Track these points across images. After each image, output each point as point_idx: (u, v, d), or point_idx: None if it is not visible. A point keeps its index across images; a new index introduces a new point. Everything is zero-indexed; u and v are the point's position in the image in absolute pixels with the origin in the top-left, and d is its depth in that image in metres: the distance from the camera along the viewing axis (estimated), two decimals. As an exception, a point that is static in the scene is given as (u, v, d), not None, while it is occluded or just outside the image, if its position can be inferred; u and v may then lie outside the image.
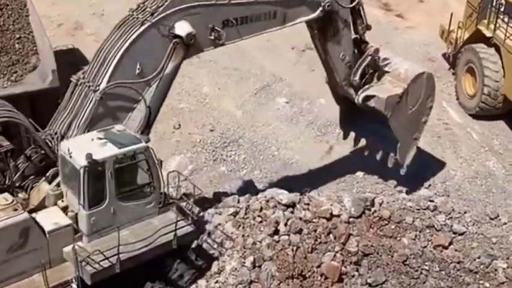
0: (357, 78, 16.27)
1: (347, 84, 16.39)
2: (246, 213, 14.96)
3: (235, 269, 13.95)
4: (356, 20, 16.06)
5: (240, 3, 13.98)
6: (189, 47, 13.52)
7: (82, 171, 11.86)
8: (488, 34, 20.83)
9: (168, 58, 13.45)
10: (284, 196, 15.25)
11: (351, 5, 15.62)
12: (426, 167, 19.00)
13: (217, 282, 13.92)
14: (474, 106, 21.00)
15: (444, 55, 23.91)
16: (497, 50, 20.46)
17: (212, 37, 13.82)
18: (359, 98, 16.32)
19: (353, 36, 16.33)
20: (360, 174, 18.54)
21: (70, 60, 20.30)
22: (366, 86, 16.44)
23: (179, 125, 19.37)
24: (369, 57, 16.28)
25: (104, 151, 12.16)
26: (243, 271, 13.88)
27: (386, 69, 16.45)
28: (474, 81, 21.21)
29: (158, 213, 13.05)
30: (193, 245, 14.13)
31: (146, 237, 12.53)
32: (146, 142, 12.66)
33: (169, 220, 12.83)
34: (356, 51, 16.36)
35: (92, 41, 22.65)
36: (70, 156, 12.20)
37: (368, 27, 16.36)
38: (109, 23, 23.62)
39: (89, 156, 11.79)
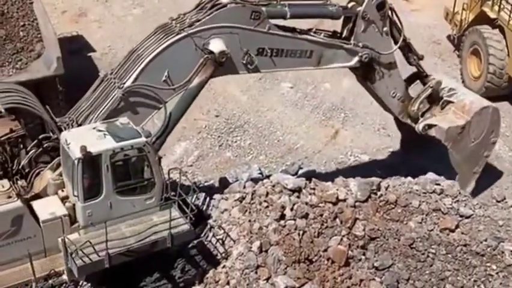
0: (415, 108, 16.22)
1: (404, 116, 16.34)
2: (252, 199, 14.96)
3: (242, 253, 13.98)
4: (405, 54, 15.93)
5: (279, 35, 13.94)
6: (220, 65, 13.50)
7: (76, 162, 11.77)
8: (492, 16, 20.72)
9: (197, 72, 13.46)
10: (290, 181, 15.23)
11: (393, 50, 15.33)
12: (433, 149, 18.95)
13: (224, 267, 13.97)
14: (480, 87, 20.86)
15: (449, 37, 23.80)
16: (502, 31, 20.37)
17: (244, 61, 13.80)
18: (419, 127, 16.26)
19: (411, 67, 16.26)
20: (365, 158, 18.54)
21: (74, 47, 20.32)
22: (428, 115, 16.39)
23: (185, 111, 19.32)
24: (430, 89, 16.23)
25: (101, 144, 12.02)
26: (250, 256, 13.91)
27: (451, 99, 16.29)
28: (479, 62, 21.14)
29: (160, 210, 12.86)
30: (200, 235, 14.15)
31: (140, 233, 12.39)
32: (147, 137, 12.51)
33: (167, 217, 12.59)
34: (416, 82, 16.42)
35: (96, 27, 22.69)
36: (68, 147, 12.14)
37: (420, 58, 16.23)
38: (112, 9, 23.70)
39: (83, 148, 11.68)
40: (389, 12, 15.20)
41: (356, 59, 14.88)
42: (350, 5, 14.96)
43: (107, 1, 24.10)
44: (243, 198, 15.01)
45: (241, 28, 13.54)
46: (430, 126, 16.27)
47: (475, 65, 21.50)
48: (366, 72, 15.38)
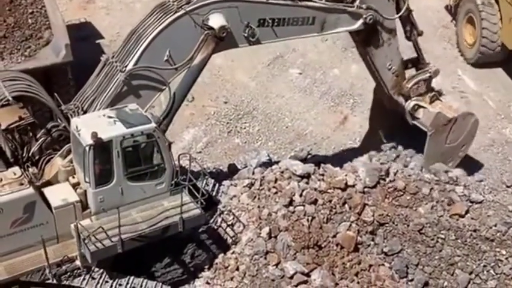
0: (409, 86, 16.16)
1: (396, 92, 16.21)
2: (261, 185, 14.99)
3: (251, 239, 14.03)
4: (406, 26, 15.80)
5: (279, 4, 13.77)
6: (220, 40, 13.34)
7: (87, 149, 11.82)
8: None
9: (198, 49, 13.32)
10: (299, 167, 15.23)
11: (397, 16, 15.25)
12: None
13: (233, 253, 14.03)
14: (474, 54, 21.73)
15: (446, 7, 24.09)
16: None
17: (245, 34, 13.63)
18: (409, 105, 16.22)
19: (413, 56, 16.35)
20: (374, 144, 18.47)
21: (82, 34, 20.31)
22: (418, 98, 16.36)
23: (193, 97, 19.34)
24: (428, 74, 16.24)
25: (112, 130, 12.05)
26: (259, 242, 13.95)
27: (440, 98, 16.58)
28: (474, 30, 21.81)
29: (171, 195, 12.93)
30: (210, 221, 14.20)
31: (152, 218, 12.48)
32: (157, 123, 12.57)
33: (178, 202, 12.67)
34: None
35: (104, 14, 22.65)
36: (79, 134, 12.18)
37: (419, 33, 16.15)
38: (120, -5, 23.64)
39: (94, 135, 11.71)
40: None
41: (360, 21, 14.73)
42: None
43: (115, -12, 24.06)
44: (252, 184, 15.03)
45: (240, 0, 13.36)
46: (419, 107, 16.26)
47: (469, 32, 22.13)
48: (368, 37, 15.21)
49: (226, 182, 15.27)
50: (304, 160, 16.88)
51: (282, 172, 15.18)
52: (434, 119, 16.12)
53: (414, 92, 16.37)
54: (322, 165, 15.66)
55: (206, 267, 13.90)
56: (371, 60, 15.77)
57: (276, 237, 14.06)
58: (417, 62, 16.56)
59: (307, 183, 15.07)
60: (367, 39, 15.30)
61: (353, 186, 15.00)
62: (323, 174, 15.27)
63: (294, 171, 15.09)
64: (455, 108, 16.80)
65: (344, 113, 19.85)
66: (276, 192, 14.71)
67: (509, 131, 19.25)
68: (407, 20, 15.85)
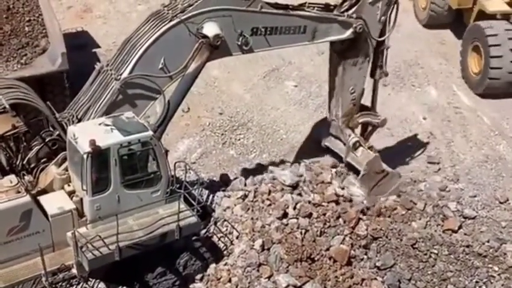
0: (360, 120, 16.26)
1: (346, 120, 16.22)
2: (254, 197, 14.99)
3: (244, 251, 14.00)
4: (377, 60, 15.90)
5: (271, 13, 13.92)
6: (215, 49, 13.46)
7: (85, 157, 11.85)
8: None
9: (192, 57, 13.42)
10: (287, 177, 15.25)
11: (379, 39, 15.43)
12: (436, 151, 18.95)
13: (226, 264, 13.99)
14: (425, 16, 24.16)
15: None
16: None
17: (239, 42, 13.78)
18: (352, 139, 16.09)
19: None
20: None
21: (79, 43, 20.32)
22: (361, 137, 16.30)
23: (188, 108, 19.35)
24: (377, 120, 16.29)
25: (109, 138, 12.13)
26: (252, 254, 13.93)
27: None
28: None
29: (166, 202, 13.01)
30: (202, 231, 14.17)
31: (149, 225, 12.52)
32: (154, 131, 12.63)
33: (174, 210, 12.77)
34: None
35: (101, 23, 22.68)
36: (76, 142, 12.21)
37: (386, 74, 16.31)
38: (117, 5, 23.69)
39: (92, 142, 11.77)
40: (394, 6, 15.34)
41: (350, 30, 14.91)
42: None
43: (112, -3, 24.11)
44: (246, 196, 15.03)
45: (234, 10, 13.49)
46: (360, 145, 16.16)
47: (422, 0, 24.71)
48: (347, 51, 15.35)
49: (219, 193, 15.26)
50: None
51: (274, 182, 15.20)
52: (371, 161, 15.93)
53: (357, 131, 16.41)
54: (309, 172, 15.68)
55: (198, 278, 13.85)
56: (339, 76, 15.78)
57: (269, 249, 14.04)
58: (368, 110, 16.61)
59: (300, 194, 15.07)
60: (347, 50, 15.39)
61: (343, 195, 15.03)
62: (311, 182, 15.27)
63: (283, 181, 15.15)
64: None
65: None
66: (269, 204, 14.72)
67: (503, 147, 19.30)
68: (381, 55, 15.96)
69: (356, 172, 16.10)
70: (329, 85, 16.37)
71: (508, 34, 20.44)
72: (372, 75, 16.24)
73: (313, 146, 18.10)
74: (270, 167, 16.66)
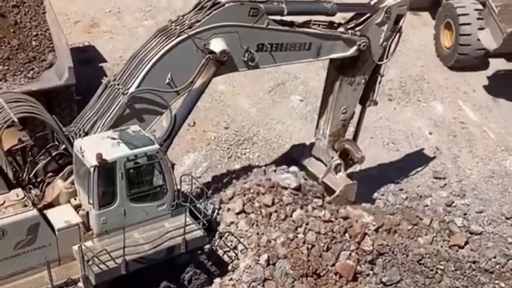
0: (345, 146, 16.23)
1: (332, 141, 16.21)
2: (260, 212, 14.94)
3: (249, 266, 13.95)
4: (369, 87, 15.95)
5: (277, 30, 14.04)
6: (221, 64, 13.56)
7: (92, 170, 11.89)
8: None
9: (199, 72, 13.51)
10: (291, 180, 15.21)
11: (379, 62, 15.53)
12: (442, 166, 18.92)
13: (231, 279, 13.94)
14: None
15: None
16: None
17: (245, 58, 13.87)
18: (334, 161, 16.04)
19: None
20: (375, 172, 18.50)
21: (85, 57, 20.42)
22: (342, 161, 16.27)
23: (194, 122, 19.39)
24: (356, 156, 16.26)
25: (116, 151, 12.16)
26: (257, 269, 13.88)
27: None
28: None
29: (171, 216, 13.04)
30: (206, 246, 14.14)
31: (155, 239, 12.54)
32: (160, 145, 12.67)
33: (179, 223, 12.80)
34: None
35: (108, 38, 22.79)
36: (82, 155, 12.25)
37: (375, 103, 16.36)
38: (124, 20, 23.82)
39: (99, 156, 11.81)
40: (397, 35, 15.43)
41: (354, 48, 14.99)
42: (372, 2, 15.13)
43: (119, 12, 24.23)
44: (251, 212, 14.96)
45: (241, 26, 13.58)
46: (340, 170, 16.11)
47: None
48: (346, 68, 15.40)
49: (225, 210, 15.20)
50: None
51: (275, 189, 15.09)
52: (350, 185, 15.91)
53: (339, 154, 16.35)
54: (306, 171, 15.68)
55: (204, 293, 13.82)
56: (334, 93, 15.77)
57: (274, 264, 13.99)
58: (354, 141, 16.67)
59: (305, 202, 14.97)
60: (347, 67, 15.44)
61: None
62: (312, 185, 15.33)
63: (287, 185, 15.11)
64: None
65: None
66: (275, 220, 14.66)
67: (509, 162, 19.26)
68: (374, 82, 15.99)
69: (330, 193, 16.00)
70: (321, 102, 16.39)
71: (477, 14, 21.92)
72: (362, 101, 16.26)
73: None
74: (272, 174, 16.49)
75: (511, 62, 22.44)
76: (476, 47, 21.96)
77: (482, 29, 21.56)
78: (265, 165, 16.86)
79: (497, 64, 22.80)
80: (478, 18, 21.82)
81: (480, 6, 21.98)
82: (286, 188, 15.21)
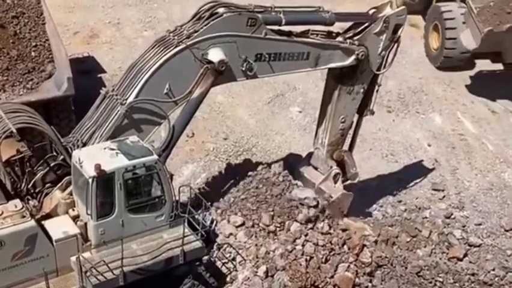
0: (343, 156, 16.14)
1: (330, 150, 16.13)
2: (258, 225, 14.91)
3: (248, 278, 13.92)
4: (367, 97, 15.93)
5: (275, 39, 14.07)
6: (219, 74, 13.59)
7: (90, 181, 11.87)
8: None
9: (197, 82, 13.53)
10: (310, 199, 15.13)
11: (376, 72, 15.50)
12: (441, 178, 18.91)
13: (229, 291, 13.91)
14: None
15: None
16: None
17: (243, 68, 13.90)
18: (333, 171, 15.98)
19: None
20: (374, 183, 18.49)
21: (85, 68, 20.44)
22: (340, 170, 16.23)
23: (193, 133, 19.37)
24: (351, 170, 16.15)
25: (114, 162, 12.14)
26: (255, 280, 13.85)
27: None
28: None
29: (170, 227, 13.01)
30: (205, 257, 14.10)
31: (153, 250, 12.50)
32: (158, 155, 12.66)
33: (178, 234, 12.78)
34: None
35: (108, 49, 22.83)
36: (81, 166, 12.24)
37: (372, 112, 16.34)
38: (123, 31, 23.87)
39: (98, 166, 11.80)
40: (395, 45, 15.45)
41: (353, 57, 14.99)
42: (371, 12, 15.16)
43: (119, 23, 24.28)
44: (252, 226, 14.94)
45: (239, 36, 13.62)
46: (339, 179, 16.06)
47: None
48: (347, 75, 15.38)
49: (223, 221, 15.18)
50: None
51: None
52: (346, 194, 15.86)
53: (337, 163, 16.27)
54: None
55: (201, 305, 13.76)
56: (333, 102, 15.75)
57: (272, 276, 13.96)
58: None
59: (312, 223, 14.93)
60: (345, 76, 15.44)
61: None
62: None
63: (307, 203, 15.04)
64: None
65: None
66: (274, 231, 14.64)
67: (508, 175, 19.26)
68: (371, 94, 15.99)
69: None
70: (320, 112, 16.37)
71: (463, 18, 22.19)
72: (359, 111, 16.23)
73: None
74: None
75: (496, 63, 22.63)
76: (461, 51, 22.45)
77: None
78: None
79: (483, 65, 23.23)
80: (464, 23, 22.05)
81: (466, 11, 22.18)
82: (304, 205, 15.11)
